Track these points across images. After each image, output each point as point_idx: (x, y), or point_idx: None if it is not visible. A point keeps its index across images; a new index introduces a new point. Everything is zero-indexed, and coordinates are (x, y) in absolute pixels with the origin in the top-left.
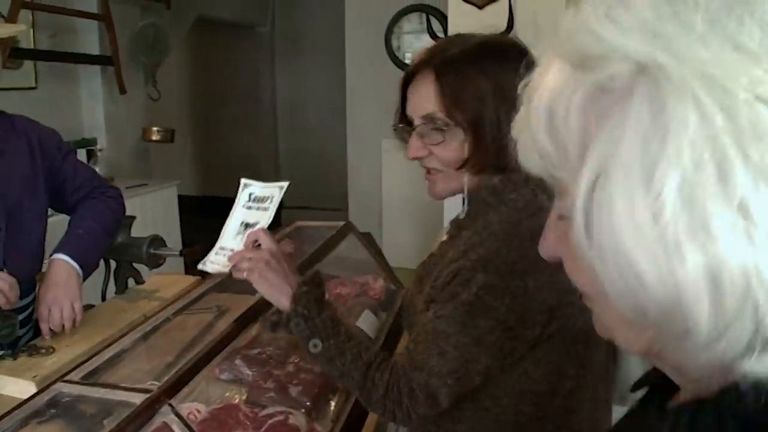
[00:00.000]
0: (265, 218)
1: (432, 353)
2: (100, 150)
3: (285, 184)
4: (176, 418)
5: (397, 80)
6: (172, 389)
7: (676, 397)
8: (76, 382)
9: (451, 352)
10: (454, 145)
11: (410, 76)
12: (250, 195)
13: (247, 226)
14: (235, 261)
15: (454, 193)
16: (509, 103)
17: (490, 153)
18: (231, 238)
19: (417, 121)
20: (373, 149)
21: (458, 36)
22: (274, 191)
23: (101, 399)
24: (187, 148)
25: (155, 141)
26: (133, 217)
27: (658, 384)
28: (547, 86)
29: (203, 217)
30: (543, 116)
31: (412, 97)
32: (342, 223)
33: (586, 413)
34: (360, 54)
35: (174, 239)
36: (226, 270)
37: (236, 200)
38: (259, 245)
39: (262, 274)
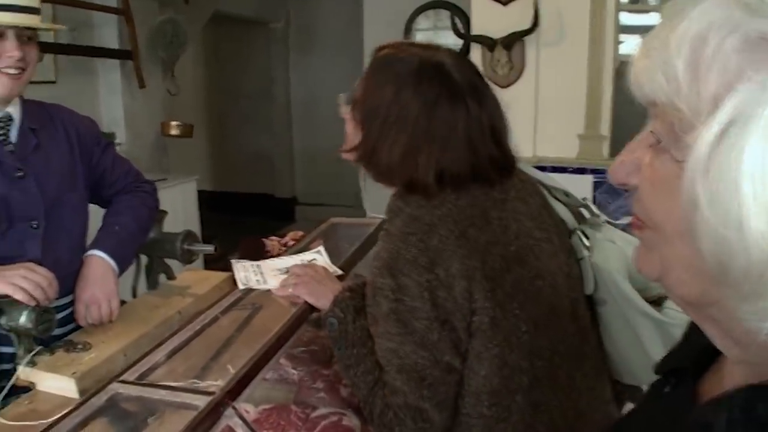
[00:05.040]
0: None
1: (393, 373)
2: (119, 144)
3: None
4: (240, 421)
5: None
6: (235, 391)
7: (706, 381)
8: (133, 383)
9: (407, 364)
10: (350, 128)
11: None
12: (311, 260)
13: (287, 271)
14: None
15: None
16: (400, 124)
17: (369, 155)
18: (270, 271)
19: None
20: None
21: (407, 43)
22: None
23: (161, 401)
24: (202, 143)
25: (174, 136)
26: (165, 212)
27: (684, 368)
28: (701, 15)
29: (218, 213)
30: (688, 44)
31: None
32: (380, 219)
33: (567, 403)
34: None
35: None
36: (248, 286)
37: (298, 254)
38: None
39: (306, 284)
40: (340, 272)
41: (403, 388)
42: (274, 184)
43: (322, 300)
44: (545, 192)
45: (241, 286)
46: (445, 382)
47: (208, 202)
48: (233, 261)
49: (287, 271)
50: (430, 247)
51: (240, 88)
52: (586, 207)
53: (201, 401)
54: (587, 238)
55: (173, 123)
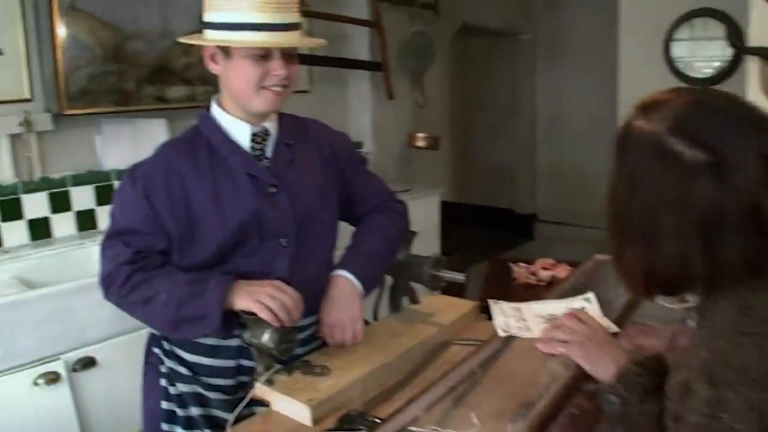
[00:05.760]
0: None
1: None
2: (367, 154)
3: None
4: None
5: None
6: None
7: None
8: None
9: None
10: None
11: None
12: (580, 308)
13: (551, 318)
14: (547, 342)
15: None
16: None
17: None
18: (533, 317)
19: None
20: None
21: (639, 107)
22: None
23: None
24: (446, 154)
25: (420, 147)
26: (415, 233)
27: None
28: None
29: (458, 224)
30: None
31: None
32: None
33: None
34: (635, 63)
35: (433, 247)
36: (508, 333)
37: (563, 299)
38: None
39: (582, 345)
40: (615, 328)
41: None
42: (515, 199)
43: (600, 369)
44: None
45: (501, 333)
46: None
47: (448, 213)
48: (491, 302)
49: (552, 318)
50: (767, 354)
51: (485, 100)
52: None
53: None
54: None
55: (420, 135)
